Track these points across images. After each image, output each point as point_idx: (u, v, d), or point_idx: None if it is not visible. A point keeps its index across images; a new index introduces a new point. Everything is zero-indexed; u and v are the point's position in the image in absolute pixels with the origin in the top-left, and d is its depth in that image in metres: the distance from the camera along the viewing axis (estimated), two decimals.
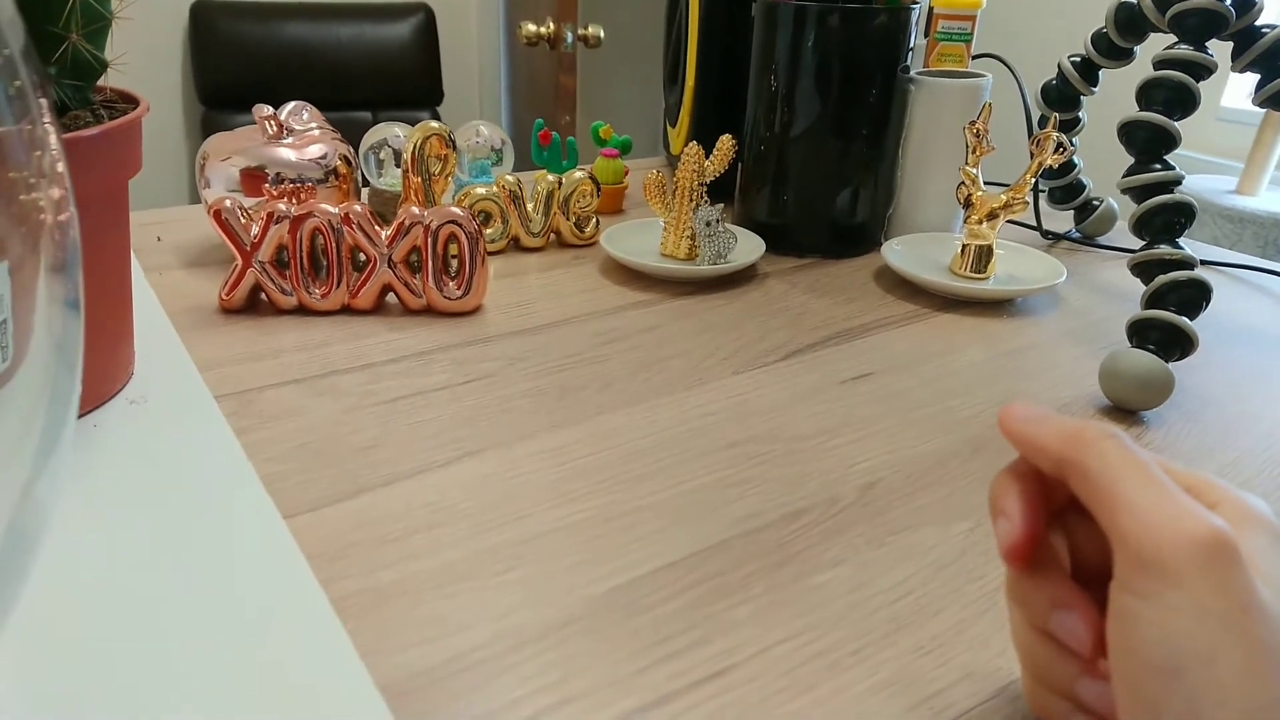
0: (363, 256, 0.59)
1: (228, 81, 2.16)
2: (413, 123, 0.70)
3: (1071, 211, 0.81)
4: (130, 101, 0.47)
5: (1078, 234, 0.82)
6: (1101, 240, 0.81)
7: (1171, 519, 0.23)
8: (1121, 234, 0.81)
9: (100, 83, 0.46)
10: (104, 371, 0.47)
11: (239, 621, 0.33)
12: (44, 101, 0.24)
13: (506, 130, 2.62)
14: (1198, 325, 0.52)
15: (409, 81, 2.32)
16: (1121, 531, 0.23)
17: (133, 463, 0.42)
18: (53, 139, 0.25)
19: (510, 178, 0.71)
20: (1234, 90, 1.83)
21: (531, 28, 2.03)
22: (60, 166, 0.25)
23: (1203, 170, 1.84)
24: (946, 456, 0.47)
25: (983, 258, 0.66)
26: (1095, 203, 0.80)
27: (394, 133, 0.75)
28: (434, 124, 0.67)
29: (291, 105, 0.68)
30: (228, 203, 0.56)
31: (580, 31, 2.02)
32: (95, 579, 0.35)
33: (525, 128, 0.81)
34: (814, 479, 0.44)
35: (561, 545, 0.38)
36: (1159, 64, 0.56)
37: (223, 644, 0.32)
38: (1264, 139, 1.64)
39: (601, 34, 2.01)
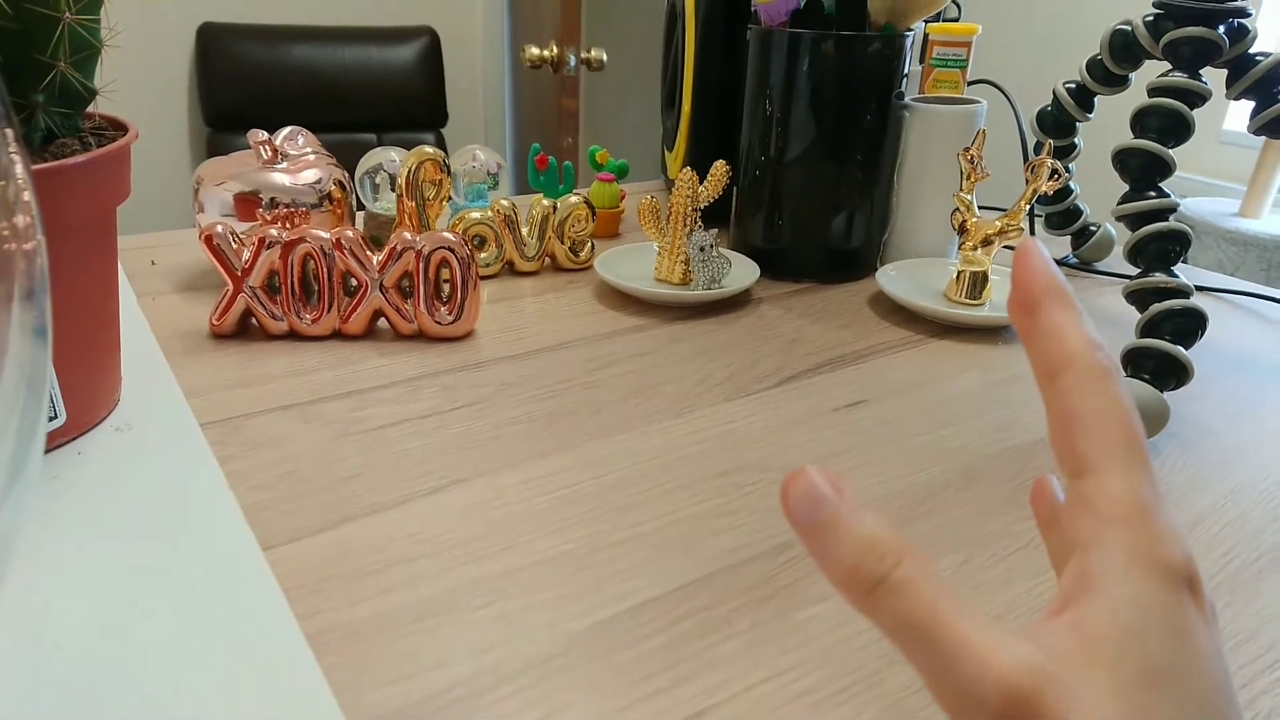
0: (354, 281, 0.58)
1: (233, 103, 2.17)
2: (417, 145, 0.70)
3: (1069, 237, 0.81)
4: (120, 128, 0.47)
5: (1075, 260, 0.81)
6: (1099, 266, 0.81)
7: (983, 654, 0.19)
8: (1119, 259, 0.81)
9: (90, 109, 0.46)
10: (89, 398, 0.46)
11: (212, 656, 0.32)
12: (9, 131, 0.24)
13: (510, 153, 2.64)
14: (1194, 353, 0.51)
15: (413, 104, 2.34)
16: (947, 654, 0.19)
17: (114, 491, 0.42)
18: (18, 168, 0.24)
19: (505, 202, 0.71)
20: (1236, 113, 1.83)
21: (535, 51, 2.04)
22: (26, 195, 0.25)
23: (1205, 193, 1.84)
24: (939, 486, 0.46)
25: (978, 284, 0.66)
26: (1092, 228, 0.80)
27: (389, 157, 0.75)
28: (428, 149, 0.68)
29: (287, 130, 0.68)
30: (219, 228, 0.56)
31: (583, 55, 2.03)
32: (69, 609, 0.34)
33: (528, 150, 0.81)
34: None
35: (544, 578, 0.38)
36: (1153, 91, 0.56)
37: (195, 679, 0.31)
38: (1266, 162, 1.63)
39: (604, 58, 2.03)
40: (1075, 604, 0.20)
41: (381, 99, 2.29)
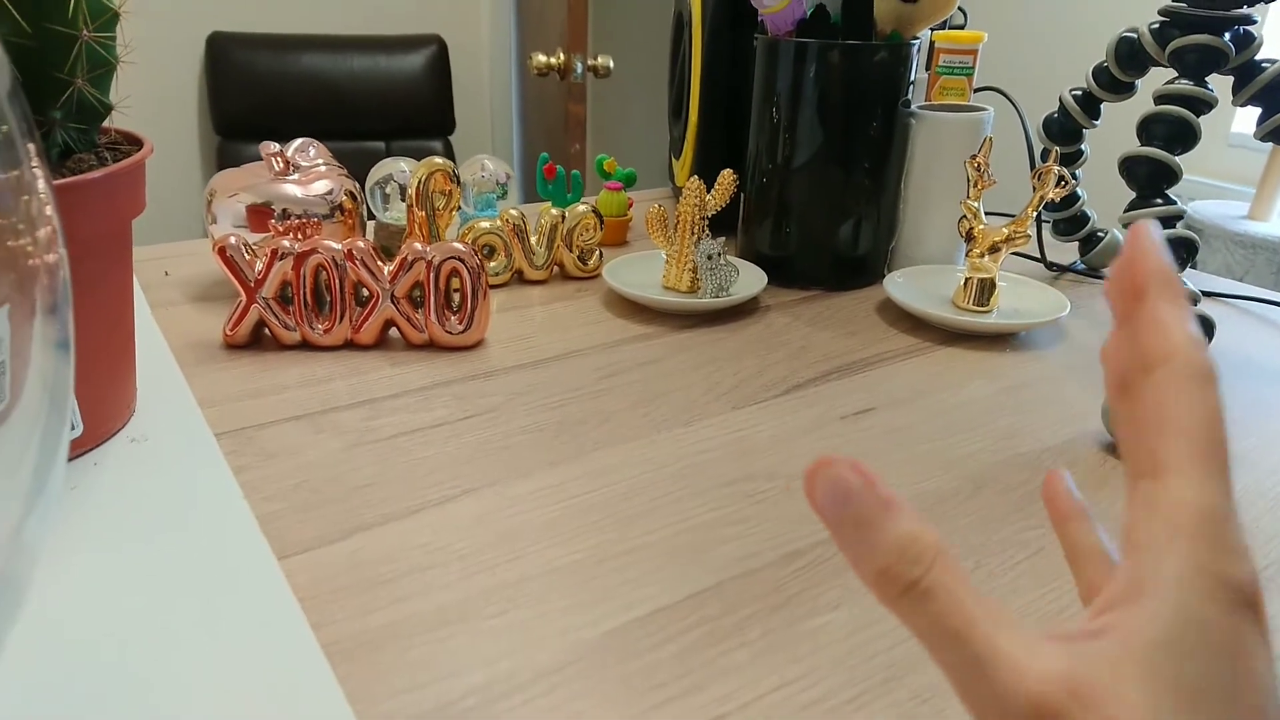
0: (366, 292, 0.59)
1: (243, 112, 2.19)
2: (425, 153, 0.71)
3: (1076, 243, 0.81)
4: (135, 143, 0.48)
5: (1082, 266, 0.81)
6: (1106, 272, 0.81)
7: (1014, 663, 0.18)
8: None
9: (106, 124, 0.47)
10: (106, 409, 0.47)
11: (228, 665, 0.33)
12: (31, 146, 0.25)
13: (518, 160, 2.64)
14: None
15: (421, 112, 2.35)
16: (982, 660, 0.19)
17: (130, 502, 0.42)
18: (40, 183, 0.25)
19: (514, 211, 0.72)
20: (1244, 116, 1.83)
21: (542, 58, 2.05)
22: (48, 209, 0.25)
23: (1214, 196, 1.83)
24: (947, 495, 0.46)
25: (985, 291, 0.66)
26: (1100, 234, 0.80)
27: (400, 168, 0.76)
28: (438, 160, 0.68)
29: (299, 142, 0.69)
30: (232, 239, 0.57)
31: (590, 62, 2.04)
32: (85, 619, 0.35)
33: (536, 157, 0.82)
34: (812, 518, 0.44)
35: (555, 587, 0.38)
36: (1159, 99, 0.56)
37: (211, 688, 0.32)
38: (1275, 165, 1.63)
39: (611, 65, 2.03)
40: (1121, 608, 0.19)
41: (389, 107, 2.30)
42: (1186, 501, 0.19)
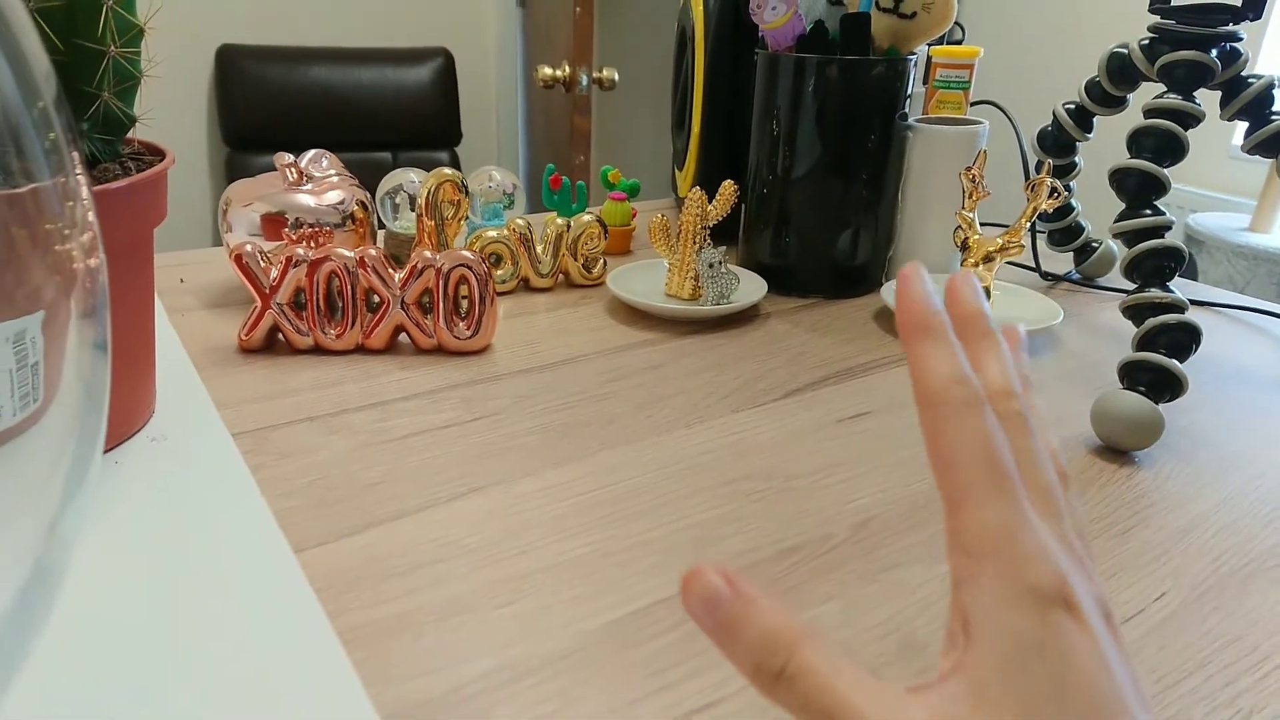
0: (377, 298, 0.61)
1: (252, 123, 2.21)
2: (431, 163, 0.73)
3: (1071, 253, 0.83)
4: (157, 153, 0.49)
5: (1077, 275, 0.83)
6: (1101, 281, 0.82)
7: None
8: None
9: (128, 135, 0.49)
10: (127, 410, 0.49)
11: (249, 652, 0.34)
12: (75, 154, 0.26)
13: (523, 170, 2.67)
14: (1192, 366, 0.53)
15: (429, 123, 2.38)
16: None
17: (152, 498, 0.44)
18: (84, 190, 0.27)
19: (521, 221, 0.74)
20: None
21: (548, 71, 2.07)
22: (91, 215, 0.27)
23: (1215, 208, 1.85)
24: (937, 496, 0.47)
25: None
26: (1094, 244, 0.81)
27: (409, 178, 0.78)
28: (447, 171, 0.70)
29: (311, 153, 0.71)
30: (248, 247, 0.59)
31: (595, 75, 2.06)
32: (110, 610, 0.36)
33: (542, 168, 0.84)
34: (808, 516, 0.45)
35: (560, 580, 0.40)
36: (1148, 113, 0.58)
37: (233, 673, 0.33)
38: (1275, 177, 1.65)
39: (616, 77, 2.06)
40: (961, 646, 0.21)
41: (397, 119, 2.33)
42: (976, 528, 0.21)
